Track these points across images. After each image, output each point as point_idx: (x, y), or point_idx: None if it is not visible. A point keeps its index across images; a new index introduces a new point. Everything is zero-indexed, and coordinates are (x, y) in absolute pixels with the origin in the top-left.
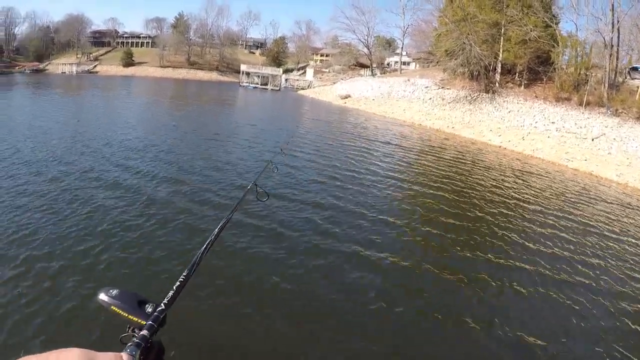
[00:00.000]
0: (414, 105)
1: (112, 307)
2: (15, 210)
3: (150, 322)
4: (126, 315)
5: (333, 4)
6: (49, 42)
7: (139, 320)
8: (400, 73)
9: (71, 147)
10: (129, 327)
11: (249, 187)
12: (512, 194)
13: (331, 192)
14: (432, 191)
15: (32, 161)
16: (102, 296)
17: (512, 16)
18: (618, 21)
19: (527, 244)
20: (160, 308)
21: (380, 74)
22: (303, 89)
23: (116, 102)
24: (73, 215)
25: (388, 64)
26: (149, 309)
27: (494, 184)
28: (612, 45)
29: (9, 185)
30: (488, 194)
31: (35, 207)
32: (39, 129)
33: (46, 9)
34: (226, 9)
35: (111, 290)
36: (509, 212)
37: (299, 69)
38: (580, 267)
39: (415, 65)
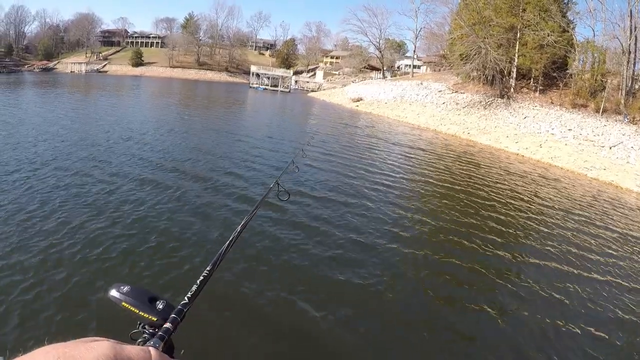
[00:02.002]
0: (427, 110)
1: (123, 303)
2: (38, 202)
3: (174, 315)
4: (137, 311)
5: (344, 6)
6: (59, 41)
7: (150, 317)
8: (412, 76)
9: (100, 145)
10: (140, 324)
11: (271, 186)
12: (551, 204)
13: (355, 195)
14: (464, 195)
15: (59, 158)
16: (113, 292)
17: (528, 20)
18: (636, 27)
19: (586, 254)
20: (183, 302)
21: (391, 77)
22: (313, 91)
23: (132, 103)
24: (95, 210)
25: (398, 67)
26: (160, 306)
27: (530, 193)
28: (630, 52)
29: (39, 179)
30: (527, 203)
31: (58, 200)
32: (59, 129)
33: (56, 7)
34: (236, 10)
35: (122, 287)
36: (552, 220)
37: (308, 71)
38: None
39: (426, 69)
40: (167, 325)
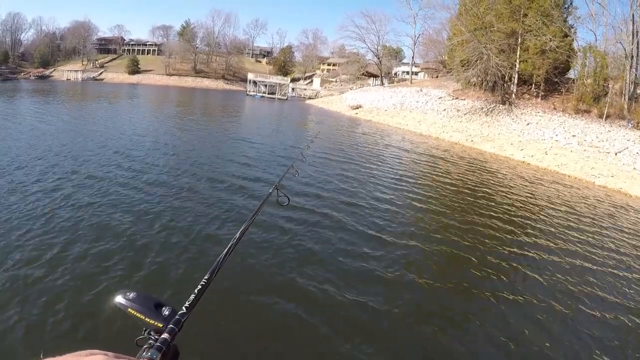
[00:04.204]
0: (428, 117)
1: (129, 309)
2: (36, 212)
3: (171, 326)
4: (143, 318)
5: (341, 13)
6: (55, 49)
7: (156, 323)
8: (411, 83)
9: (98, 153)
10: (145, 330)
11: (270, 191)
12: (579, 216)
13: (360, 199)
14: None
15: (58, 166)
16: (119, 299)
17: (530, 25)
18: (638, 32)
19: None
20: (181, 312)
21: (388, 83)
22: (311, 98)
23: (133, 113)
24: (94, 218)
25: (395, 74)
26: (166, 312)
27: (563, 205)
28: (633, 57)
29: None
30: (547, 215)
31: (51, 207)
32: (62, 138)
33: (53, 15)
34: (233, 17)
35: (128, 293)
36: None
37: (305, 78)
38: None
39: (424, 75)
40: (165, 336)
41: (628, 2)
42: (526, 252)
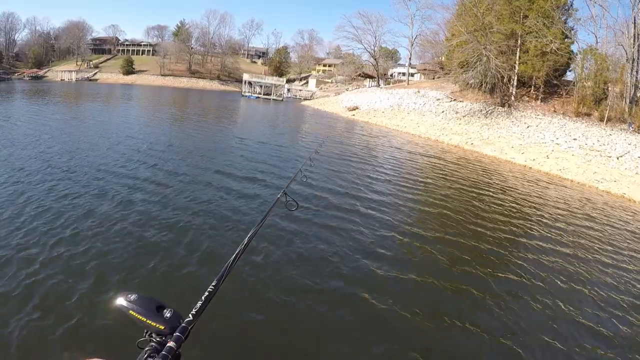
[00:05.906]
0: (426, 119)
1: (130, 311)
2: (38, 211)
3: (177, 334)
4: (144, 320)
5: (337, 14)
6: (49, 49)
7: (158, 325)
8: (408, 84)
9: (103, 155)
10: (147, 332)
11: (278, 196)
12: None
13: (369, 203)
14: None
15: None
16: (121, 301)
17: (530, 27)
18: (639, 35)
19: None
20: (188, 319)
21: (384, 84)
22: (306, 99)
23: (126, 114)
24: (100, 221)
25: (391, 75)
26: (167, 314)
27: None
28: (634, 59)
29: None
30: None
31: (53, 210)
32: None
33: (47, 15)
34: (228, 18)
35: (130, 295)
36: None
37: (301, 79)
38: None
39: (420, 77)
40: (171, 344)
41: (630, 5)
42: (549, 256)
